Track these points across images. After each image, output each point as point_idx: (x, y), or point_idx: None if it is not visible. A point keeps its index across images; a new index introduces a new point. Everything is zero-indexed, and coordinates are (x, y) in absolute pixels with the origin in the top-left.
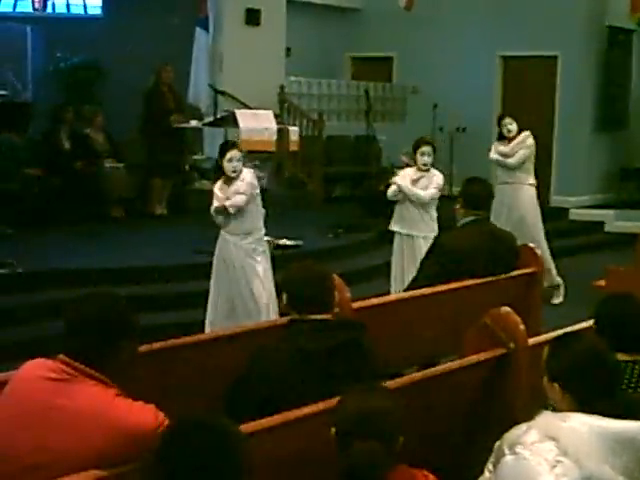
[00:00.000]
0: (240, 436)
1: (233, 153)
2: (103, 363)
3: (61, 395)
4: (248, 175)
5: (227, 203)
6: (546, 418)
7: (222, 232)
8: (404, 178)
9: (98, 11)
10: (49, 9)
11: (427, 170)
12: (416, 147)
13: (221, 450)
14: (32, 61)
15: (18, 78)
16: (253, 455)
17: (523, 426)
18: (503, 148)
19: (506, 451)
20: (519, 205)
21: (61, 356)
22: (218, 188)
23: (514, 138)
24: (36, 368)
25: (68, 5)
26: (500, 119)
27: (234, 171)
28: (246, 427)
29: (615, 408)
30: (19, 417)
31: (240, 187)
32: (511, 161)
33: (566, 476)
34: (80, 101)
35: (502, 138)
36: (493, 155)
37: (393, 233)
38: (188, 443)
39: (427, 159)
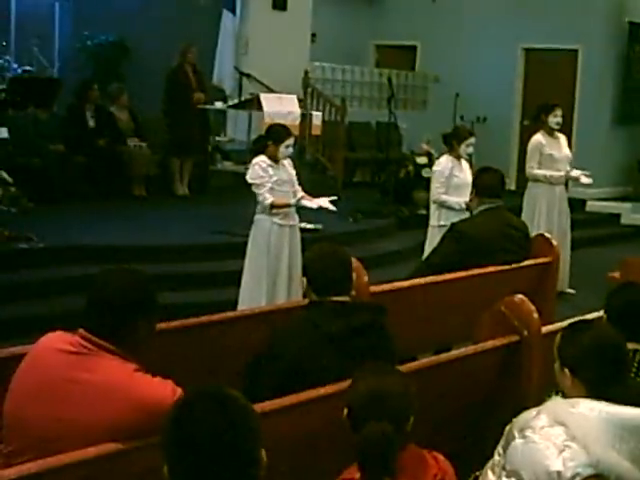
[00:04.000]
0: (251, 408)
1: (290, 140)
2: (122, 339)
3: (79, 368)
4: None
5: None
6: (556, 403)
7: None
8: (444, 171)
9: None
10: None
11: (468, 160)
12: (462, 138)
13: (235, 419)
14: (59, 37)
15: (44, 54)
16: (268, 435)
17: (533, 411)
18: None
19: (516, 435)
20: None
21: (81, 330)
22: (268, 164)
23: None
24: (54, 341)
25: None
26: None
27: (285, 156)
28: (262, 406)
29: (624, 395)
30: (36, 389)
31: (296, 181)
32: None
33: (574, 460)
34: (105, 79)
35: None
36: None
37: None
38: (200, 413)
39: (471, 150)
